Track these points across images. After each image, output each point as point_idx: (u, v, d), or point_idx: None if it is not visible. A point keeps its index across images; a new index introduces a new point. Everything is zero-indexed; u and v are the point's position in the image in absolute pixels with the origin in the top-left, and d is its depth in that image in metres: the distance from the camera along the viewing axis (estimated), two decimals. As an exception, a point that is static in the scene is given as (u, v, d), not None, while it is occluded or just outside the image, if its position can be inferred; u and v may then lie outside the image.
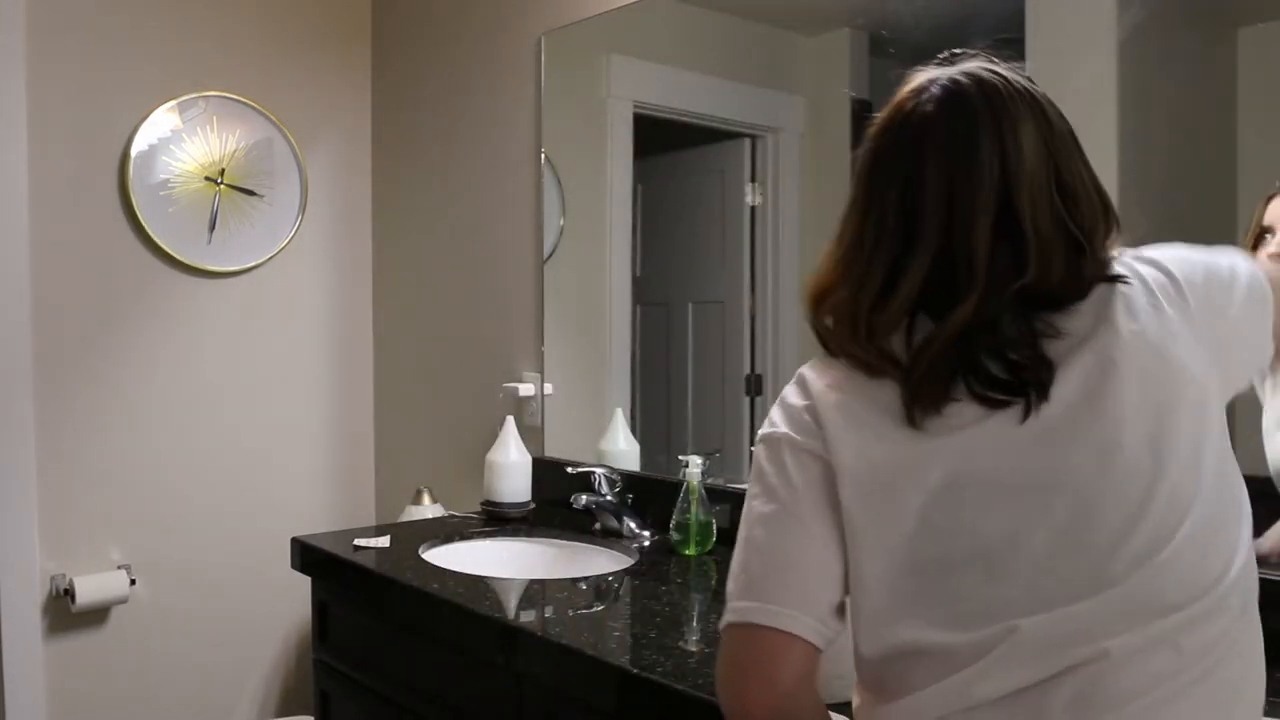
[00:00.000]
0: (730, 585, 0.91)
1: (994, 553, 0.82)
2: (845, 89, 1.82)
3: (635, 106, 2.18)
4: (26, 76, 2.26)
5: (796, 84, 1.93)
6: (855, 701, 0.92)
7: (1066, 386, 0.83)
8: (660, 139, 2.15)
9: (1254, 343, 0.92)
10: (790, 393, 0.94)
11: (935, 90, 0.89)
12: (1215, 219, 1.36)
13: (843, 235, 0.91)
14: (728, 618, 0.90)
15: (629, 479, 2.01)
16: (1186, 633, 0.78)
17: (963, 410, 0.84)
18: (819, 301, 0.92)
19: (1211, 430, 0.84)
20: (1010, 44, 1.49)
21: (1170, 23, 1.42)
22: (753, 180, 1.96)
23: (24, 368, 2.28)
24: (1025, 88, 0.88)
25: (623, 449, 2.12)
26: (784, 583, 0.88)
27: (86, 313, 2.37)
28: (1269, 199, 1.25)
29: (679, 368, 2.11)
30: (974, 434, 0.84)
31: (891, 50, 1.76)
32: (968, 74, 0.89)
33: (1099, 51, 1.42)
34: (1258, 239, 1.26)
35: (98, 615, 2.39)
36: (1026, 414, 0.83)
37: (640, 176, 2.17)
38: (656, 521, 1.90)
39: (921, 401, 0.85)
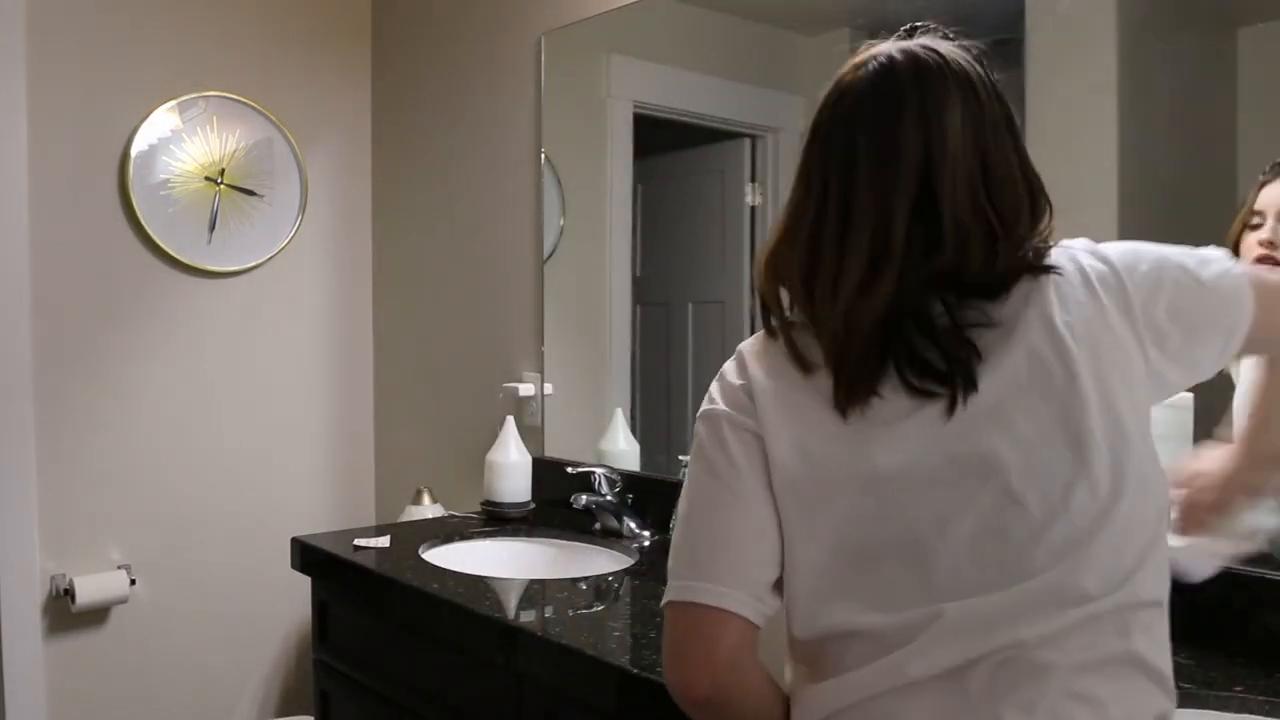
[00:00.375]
0: (670, 562, 0.92)
1: (923, 541, 0.84)
2: (845, 89, 1.81)
3: (635, 106, 2.18)
4: (26, 76, 2.26)
5: (796, 84, 1.93)
6: (788, 677, 0.93)
7: (995, 376, 0.84)
8: (660, 139, 2.15)
9: (1208, 335, 0.89)
10: (729, 369, 0.96)
11: (871, 67, 0.90)
12: (1215, 219, 1.36)
13: (790, 207, 0.93)
14: (668, 595, 0.91)
15: (629, 479, 2.01)
16: (1100, 621, 0.81)
17: (893, 404, 0.85)
18: (770, 270, 0.93)
19: (1138, 426, 0.85)
20: (1010, 44, 1.50)
21: (1170, 22, 1.42)
22: (753, 180, 1.96)
23: (24, 368, 2.28)
24: (963, 68, 0.88)
25: (623, 449, 2.12)
26: (722, 560, 0.89)
27: (86, 313, 2.37)
28: (1261, 185, 1.26)
29: (679, 368, 2.11)
30: (905, 427, 0.85)
31: (891, 50, 1.75)
32: (905, 51, 0.90)
33: (1099, 51, 1.42)
34: (1245, 224, 1.26)
35: (98, 615, 2.39)
36: (953, 405, 0.84)
37: (640, 176, 2.17)
38: (656, 521, 1.90)
39: (851, 393, 0.86)
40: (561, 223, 2.29)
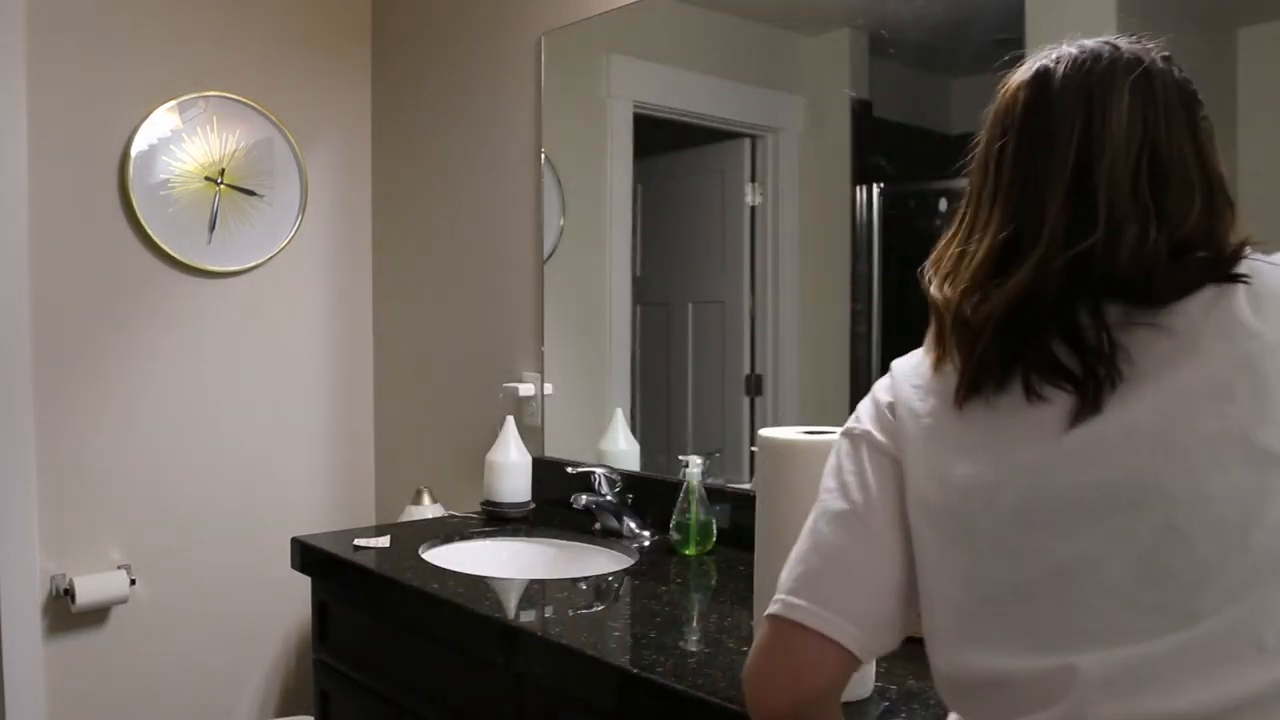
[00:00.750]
0: (784, 573, 0.88)
1: (1070, 578, 0.75)
2: (845, 89, 1.82)
3: (635, 106, 2.18)
4: (27, 76, 2.26)
5: (796, 84, 1.93)
6: None
7: (1160, 394, 0.75)
8: (660, 139, 2.15)
9: None
10: (879, 386, 0.91)
11: (1039, 62, 0.86)
12: (1215, 219, 1.37)
13: (960, 212, 0.89)
14: (773, 608, 0.86)
15: (629, 479, 2.01)
16: None
17: (1041, 415, 0.78)
18: (931, 272, 0.88)
19: None
20: (1010, 44, 1.49)
21: (1170, 22, 1.42)
22: (753, 180, 1.96)
23: (24, 368, 2.28)
24: (1138, 58, 0.83)
25: (623, 449, 2.12)
26: (839, 587, 0.85)
27: (86, 313, 2.37)
28: None
29: (679, 368, 2.11)
30: (1050, 448, 0.77)
31: (891, 50, 1.76)
32: (1074, 44, 0.86)
33: (1099, 51, 1.42)
34: None
35: (98, 615, 2.39)
36: (1079, 415, 0.76)
37: (640, 176, 2.17)
38: (656, 521, 1.90)
39: (972, 389, 0.81)
40: (561, 223, 2.29)
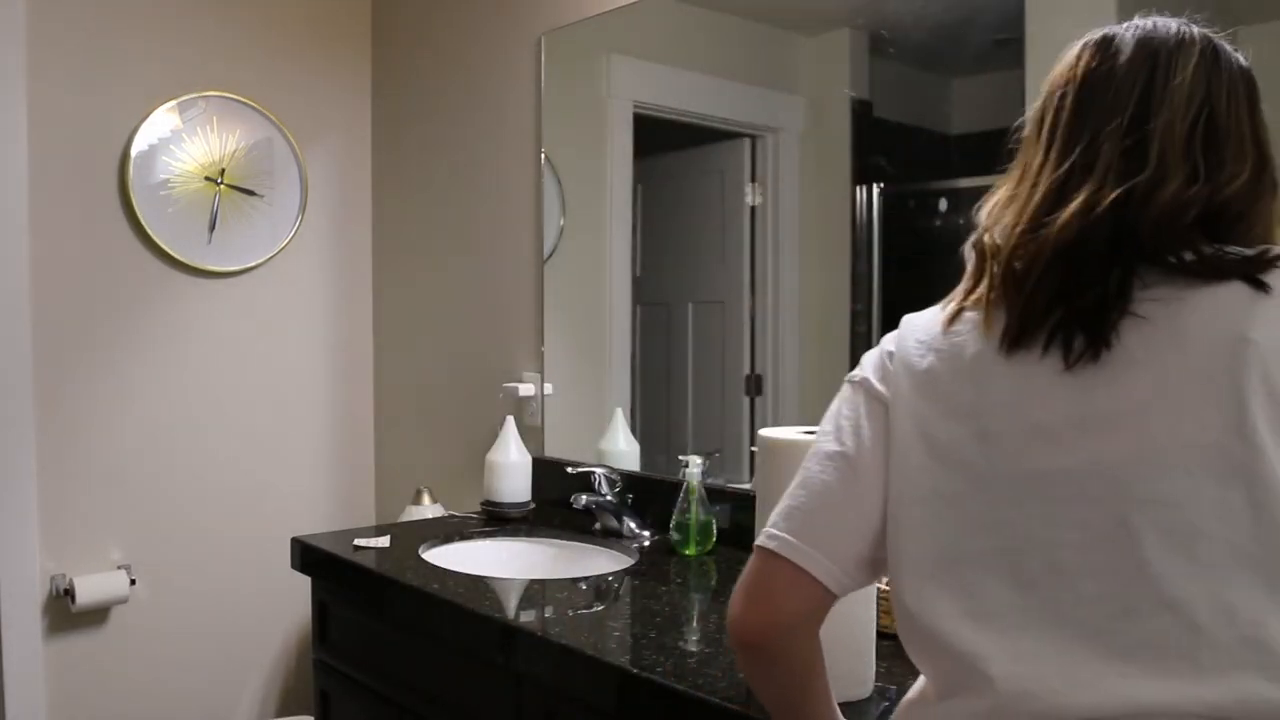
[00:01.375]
0: (775, 508, 0.92)
1: (1021, 556, 0.78)
2: (845, 89, 1.82)
3: (635, 106, 2.18)
4: (27, 76, 2.26)
5: (796, 84, 1.93)
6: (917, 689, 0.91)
7: (1148, 385, 0.76)
8: (660, 139, 2.15)
9: None
10: (888, 337, 0.95)
11: (1107, 29, 0.88)
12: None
13: (1015, 164, 0.91)
14: (759, 540, 0.91)
15: (629, 479, 2.01)
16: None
17: (1038, 382, 0.80)
18: (986, 216, 0.89)
19: None
20: (1010, 44, 1.50)
21: (1170, 23, 1.42)
22: (753, 180, 1.96)
23: (24, 368, 2.28)
24: (1206, 35, 0.85)
25: (623, 449, 2.12)
26: (819, 524, 0.89)
27: (86, 312, 2.37)
28: None
29: (679, 368, 2.11)
30: (1031, 425, 0.80)
31: (891, 50, 1.76)
32: (1143, 16, 0.88)
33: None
34: None
35: (98, 615, 2.39)
36: (1087, 387, 0.77)
37: (640, 176, 2.17)
38: (656, 521, 1.90)
39: (1021, 333, 0.81)
40: (561, 223, 2.29)
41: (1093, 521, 0.75)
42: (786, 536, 0.89)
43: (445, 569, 1.71)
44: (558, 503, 2.10)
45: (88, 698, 2.38)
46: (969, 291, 0.88)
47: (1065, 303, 0.79)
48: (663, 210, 2.16)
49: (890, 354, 0.91)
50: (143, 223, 2.42)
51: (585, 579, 1.69)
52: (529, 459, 2.12)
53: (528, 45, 2.33)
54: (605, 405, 2.20)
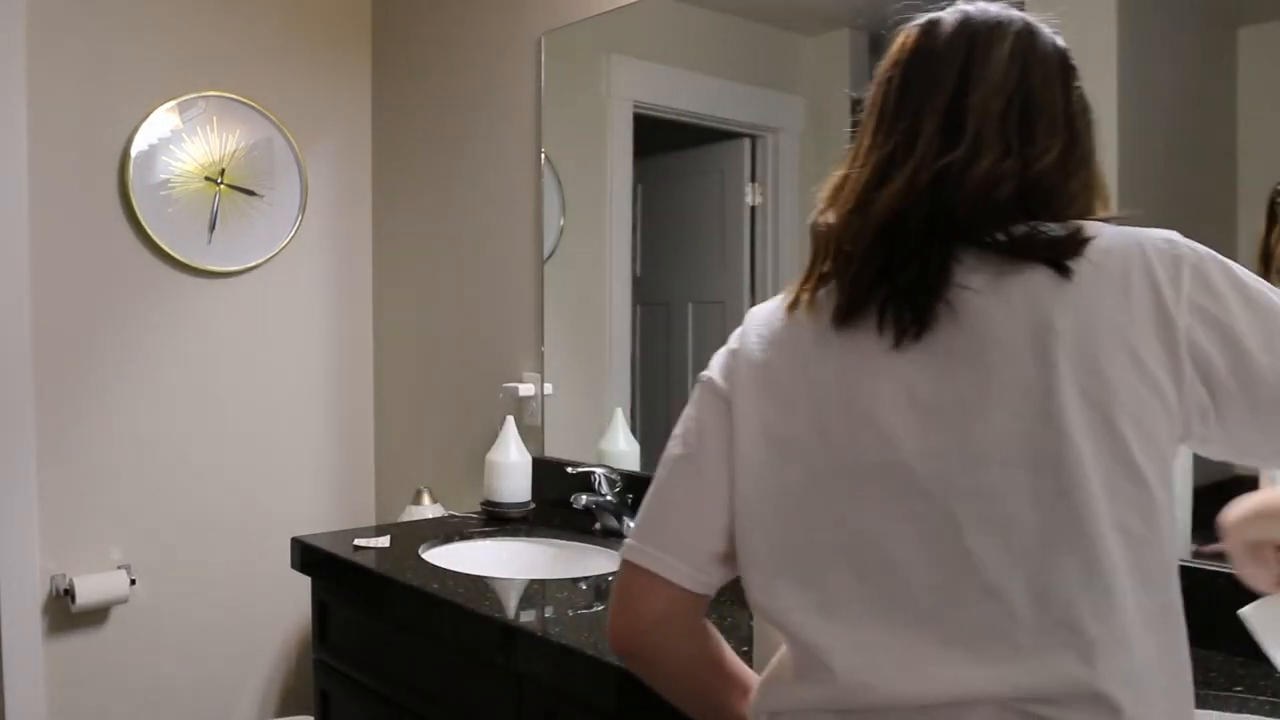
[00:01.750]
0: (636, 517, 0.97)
1: (860, 549, 0.80)
2: (845, 89, 1.82)
3: (635, 106, 2.18)
4: (27, 76, 2.26)
5: (796, 84, 1.93)
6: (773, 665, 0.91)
7: (969, 378, 0.78)
8: (660, 139, 2.15)
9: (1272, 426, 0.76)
10: (734, 334, 0.96)
11: (931, 14, 0.91)
12: (1215, 220, 1.36)
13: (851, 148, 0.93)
14: (621, 551, 0.96)
15: (629, 479, 2.00)
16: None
17: (868, 364, 0.82)
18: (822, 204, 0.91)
19: (1140, 476, 0.74)
20: (1010, 44, 1.49)
21: (1170, 23, 1.42)
22: (753, 180, 1.96)
23: (24, 368, 2.28)
24: (1024, 19, 0.88)
25: (623, 449, 2.12)
26: (668, 527, 0.93)
27: (87, 313, 2.37)
28: None
29: (679, 368, 2.11)
30: (864, 415, 0.81)
31: (891, 50, 1.75)
32: (964, 4, 0.90)
33: (1099, 52, 1.42)
34: (1266, 257, 1.21)
35: (98, 615, 2.39)
36: (916, 376, 0.79)
37: (640, 176, 2.17)
38: (656, 521, 1.89)
39: (848, 312, 0.83)
40: (561, 223, 2.29)
41: (922, 513, 0.77)
42: (637, 544, 0.93)
43: (445, 569, 1.71)
44: (558, 503, 2.10)
45: (88, 698, 2.38)
46: (807, 277, 0.89)
47: (889, 281, 0.81)
48: (663, 210, 2.16)
49: (734, 351, 0.93)
50: (143, 223, 2.42)
51: (585, 579, 1.69)
52: (529, 459, 2.12)
53: (528, 45, 2.33)
54: (605, 405, 2.20)
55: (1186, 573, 1.24)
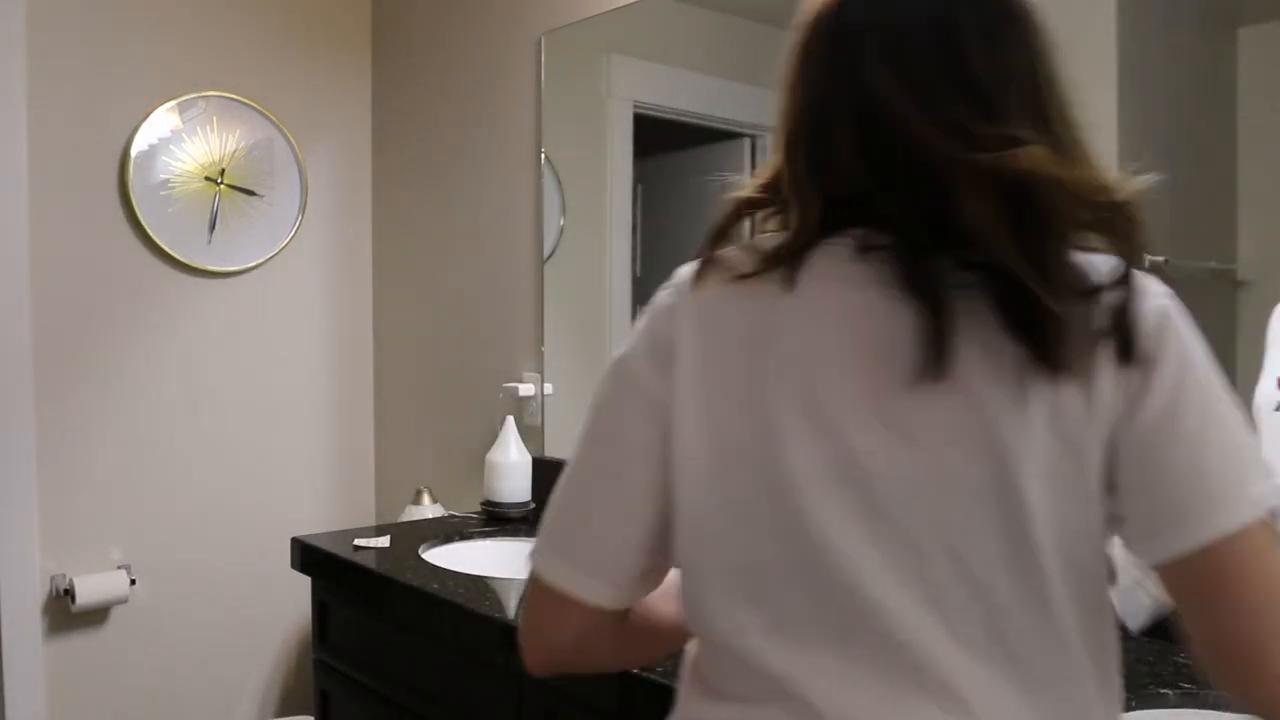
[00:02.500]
0: (544, 516, 0.85)
1: (813, 568, 0.71)
2: (845, 89, 1.82)
3: (635, 106, 2.18)
4: (26, 76, 2.26)
5: (796, 84, 1.93)
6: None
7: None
8: (660, 139, 2.15)
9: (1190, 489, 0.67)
10: (659, 303, 0.82)
11: None
12: (1215, 219, 1.36)
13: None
14: (530, 558, 0.84)
15: (629, 479, 2.00)
16: None
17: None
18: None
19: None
20: (1010, 44, 1.49)
21: (1170, 22, 1.42)
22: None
23: (24, 368, 2.28)
24: None
25: (622, 449, 2.12)
26: (586, 542, 0.81)
27: (86, 313, 2.37)
28: None
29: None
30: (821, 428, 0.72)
31: (891, 50, 1.75)
32: None
33: (1098, 51, 1.42)
34: None
35: (98, 615, 2.39)
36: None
37: (640, 176, 2.17)
38: (656, 521, 1.89)
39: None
40: (561, 223, 2.29)
41: (885, 534, 0.70)
42: (552, 560, 0.82)
43: (445, 569, 1.71)
44: (558, 503, 2.10)
45: (88, 698, 2.38)
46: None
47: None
48: (663, 210, 2.16)
49: (671, 308, 0.80)
50: (143, 223, 2.42)
51: (585, 579, 1.69)
52: (529, 459, 2.12)
53: (528, 45, 2.33)
54: (605, 405, 2.20)
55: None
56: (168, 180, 2.46)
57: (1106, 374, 0.67)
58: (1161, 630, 1.26)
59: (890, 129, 0.71)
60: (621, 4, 2.10)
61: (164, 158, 2.46)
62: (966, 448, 0.68)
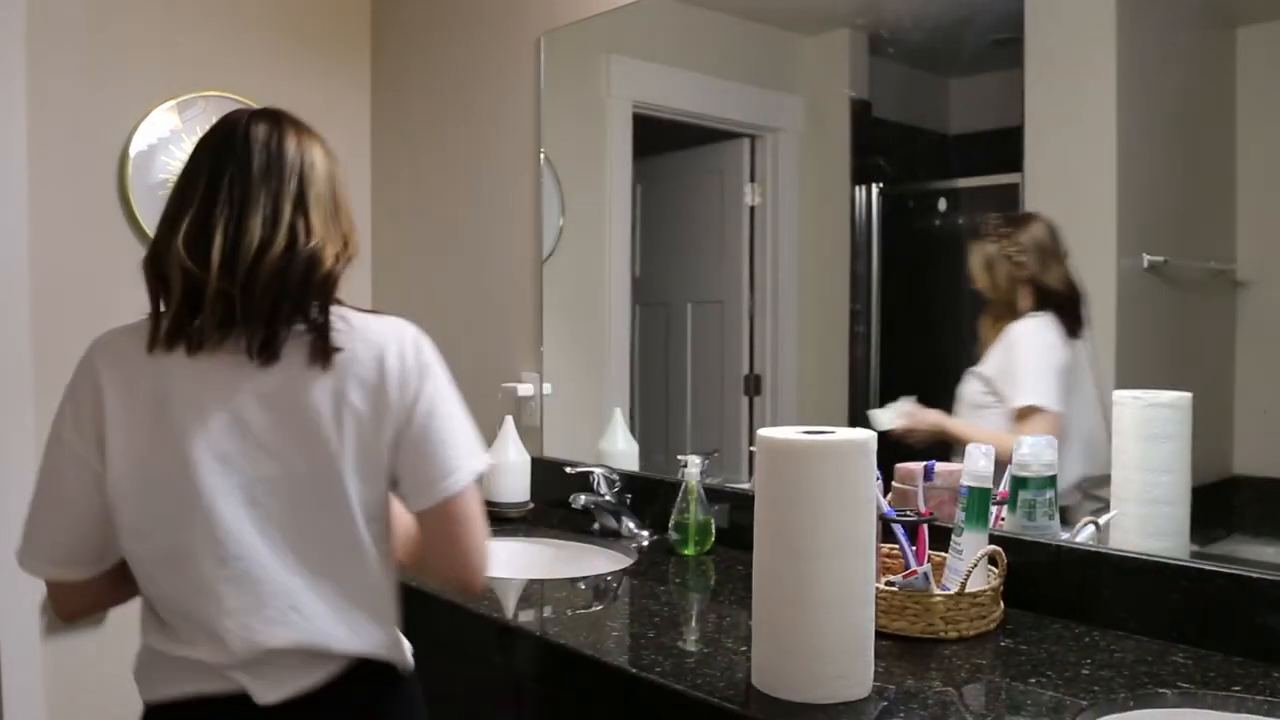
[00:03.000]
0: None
1: (181, 559, 1.04)
2: (845, 89, 1.82)
3: (635, 106, 2.18)
4: (26, 76, 2.26)
5: (796, 84, 1.93)
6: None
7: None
8: (660, 139, 2.15)
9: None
10: (82, 369, 1.21)
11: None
12: (1214, 220, 1.37)
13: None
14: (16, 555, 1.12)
15: (628, 479, 2.00)
16: None
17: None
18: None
19: None
20: (1009, 44, 1.50)
21: (1170, 22, 1.42)
22: (752, 180, 1.96)
23: (24, 367, 2.28)
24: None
25: (621, 449, 2.12)
26: (43, 531, 1.12)
27: (86, 312, 2.36)
28: None
29: (678, 368, 2.11)
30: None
31: (891, 50, 1.76)
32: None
33: (1098, 51, 1.42)
34: None
35: (97, 615, 2.39)
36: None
37: (640, 176, 2.17)
38: (655, 521, 1.90)
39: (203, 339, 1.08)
40: (561, 223, 2.29)
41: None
42: (24, 554, 1.13)
43: (444, 569, 1.70)
44: (556, 503, 2.10)
45: (86, 697, 2.38)
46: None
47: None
48: (662, 210, 2.16)
49: (97, 390, 1.19)
50: (142, 223, 2.41)
51: (584, 579, 1.69)
52: (528, 459, 2.12)
53: (527, 45, 2.33)
54: (604, 405, 2.20)
55: (1186, 572, 1.25)
56: (167, 180, 2.46)
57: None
58: (1161, 630, 1.27)
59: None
60: (621, 4, 2.10)
61: (163, 157, 2.46)
62: (303, 450, 1.03)
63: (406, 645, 1.16)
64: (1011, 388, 1.53)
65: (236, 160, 1.07)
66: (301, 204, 1.12)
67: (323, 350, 1.04)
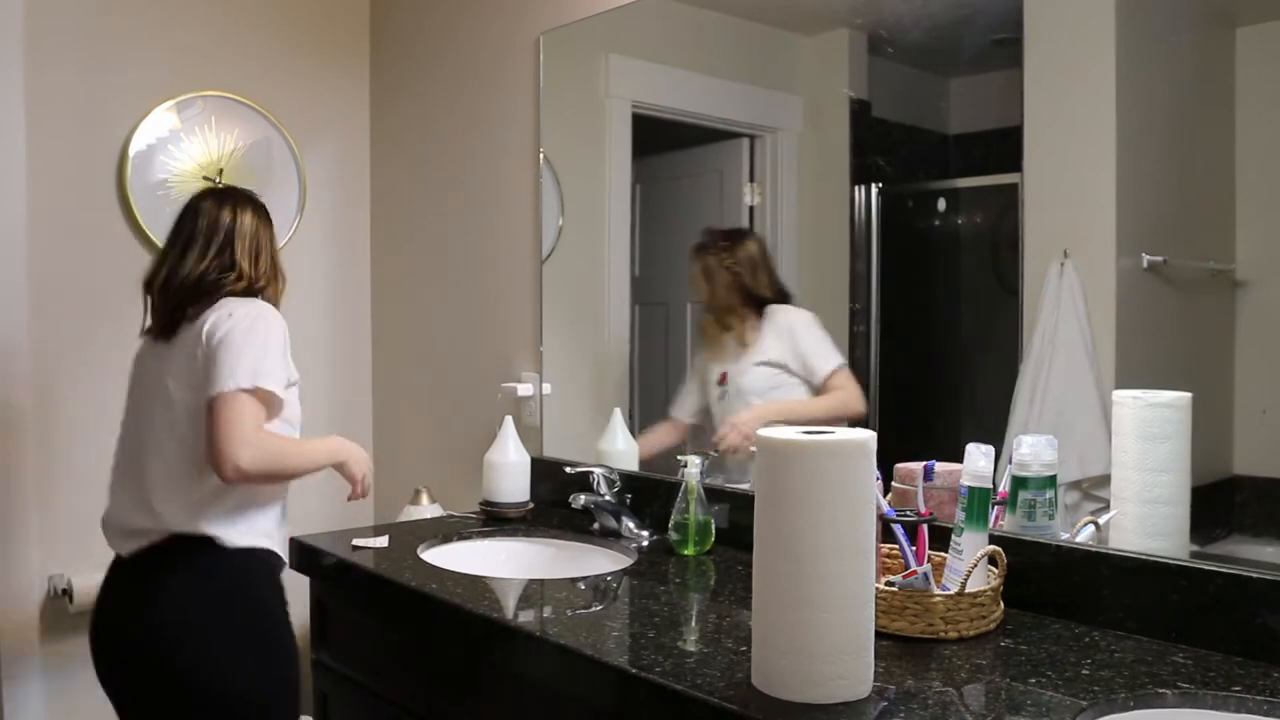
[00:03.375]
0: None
1: (144, 450, 1.80)
2: (844, 89, 1.82)
3: (634, 106, 2.18)
4: (25, 76, 2.26)
5: (796, 84, 1.93)
6: None
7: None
8: (660, 139, 2.15)
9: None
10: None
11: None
12: (1214, 220, 1.37)
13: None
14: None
15: (627, 479, 2.00)
16: None
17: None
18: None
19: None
20: (1008, 44, 1.50)
21: (1169, 22, 1.42)
22: (751, 180, 1.96)
23: (23, 367, 2.28)
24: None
25: (621, 449, 2.12)
26: None
27: (85, 312, 2.37)
28: None
29: (677, 367, 2.11)
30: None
31: (890, 50, 1.76)
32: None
33: (1098, 51, 1.42)
34: None
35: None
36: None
37: (640, 176, 2.17)
38: (655, 521, 1.90)
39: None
40: (560, 223, 2.29)
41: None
42: None
43: (444, 569, 1.71)
44: (556, 503, 2.10)
45: (86, 697, 2.38)
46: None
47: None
48: (662, 210, 2.16)
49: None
50: (141, 222, 2.42)
51: (584, 579, 1.69)
52: (527, 459, 2.12)
53: (527, 45, 2.33)
54: (604, 405, 2.20)
55: (1186, 572, 1.25)
56: (166, 180, 2.46)
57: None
58: (1161, 630, 1.27)
59: None
60: (620, 4, 2.10)
61: (162, 157, 2.46)
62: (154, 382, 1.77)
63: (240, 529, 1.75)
64: (812, 360, 1.80)
65: (187, 223, 1.82)
66: (228, 249, 1.79)
67: (173, 327, 1.76)
